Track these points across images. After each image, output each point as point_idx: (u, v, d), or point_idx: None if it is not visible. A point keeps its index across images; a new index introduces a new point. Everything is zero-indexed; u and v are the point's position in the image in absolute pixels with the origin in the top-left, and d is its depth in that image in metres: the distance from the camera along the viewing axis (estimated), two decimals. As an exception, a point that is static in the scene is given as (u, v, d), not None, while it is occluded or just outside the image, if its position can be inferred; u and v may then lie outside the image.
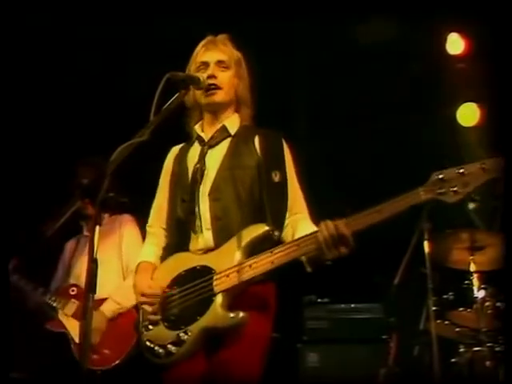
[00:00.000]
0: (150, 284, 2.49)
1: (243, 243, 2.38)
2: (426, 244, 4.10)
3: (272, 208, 2.49)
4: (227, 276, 2.35)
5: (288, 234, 2.52)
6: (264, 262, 2.33)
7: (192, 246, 2.52)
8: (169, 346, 2.38)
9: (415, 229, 4.17)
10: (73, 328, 3.68)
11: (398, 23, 4.79)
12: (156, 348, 2.41)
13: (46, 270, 4.14)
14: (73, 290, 3.81)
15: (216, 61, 2.62)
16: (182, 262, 2.50)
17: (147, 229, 2.78)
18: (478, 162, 2.16)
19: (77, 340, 3.62)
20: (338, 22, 4.77)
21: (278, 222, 2.51)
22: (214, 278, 2.38)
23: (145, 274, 2.57)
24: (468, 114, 5.25)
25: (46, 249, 4.10)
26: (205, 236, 2.50)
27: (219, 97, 2.60)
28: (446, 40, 5.20)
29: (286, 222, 2.55)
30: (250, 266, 2.34)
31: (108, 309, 3.65)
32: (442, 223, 4.23)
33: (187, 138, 2.76)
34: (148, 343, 2.44)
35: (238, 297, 2.39)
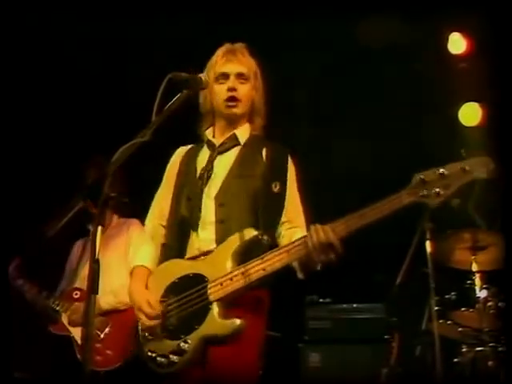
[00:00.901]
0: (149, 300, 2.45)
1: (233, 249, 2.41)
2: (427, 244, 4.10)
3: (265, 216, 2.51)
4: (221, 284, 2.38)
5: (283, 243, 2.51)
6: (256, 270, 2.35)
7: (190, 245, 2.54)
8: (170, 355, 2.40)
9: (417, 229, 4.16)
10: (76, 331, 3.67)
11: (399, 23, 4.78)
12: (158, 358, 2.42)
13: (48, 270, 4.13)
14: (76, 294, 3.80)
15: (236, 73, 2.65)
16: (174, 269, 2.52)
17: (145, 225, 2.78)
18: (458, 162, 2.16)
19: (80, 342, 3.62)
20: (338, 22, 4.76)
21: (269, 230, 2.51)
22: (208, 286, 2.40)
23: (140, 282, 2.56)
24: (470, 114, 5.25)
25: (48, 249, 4.09)
26: (202, 236, 2.52)
27: (239, 109, 2.65)
28: (447, 39, 5.19)
29: (284, 232, 2.57)
30: (243, 273, 2.36)
31: (105, 301, 3.60)
32: (443, 223, 4.22)
33: (190, 140, 2.78)
34: (149, 353, 2.45)
35: (232, 302, 2.40)
